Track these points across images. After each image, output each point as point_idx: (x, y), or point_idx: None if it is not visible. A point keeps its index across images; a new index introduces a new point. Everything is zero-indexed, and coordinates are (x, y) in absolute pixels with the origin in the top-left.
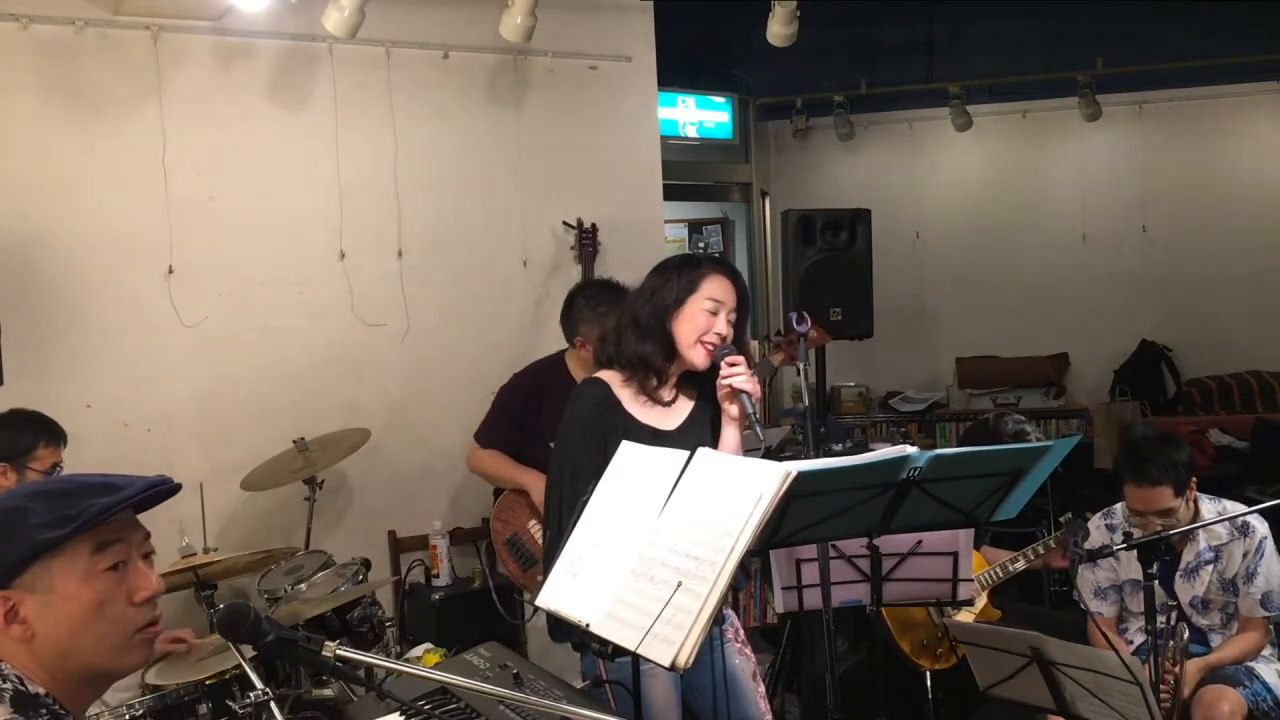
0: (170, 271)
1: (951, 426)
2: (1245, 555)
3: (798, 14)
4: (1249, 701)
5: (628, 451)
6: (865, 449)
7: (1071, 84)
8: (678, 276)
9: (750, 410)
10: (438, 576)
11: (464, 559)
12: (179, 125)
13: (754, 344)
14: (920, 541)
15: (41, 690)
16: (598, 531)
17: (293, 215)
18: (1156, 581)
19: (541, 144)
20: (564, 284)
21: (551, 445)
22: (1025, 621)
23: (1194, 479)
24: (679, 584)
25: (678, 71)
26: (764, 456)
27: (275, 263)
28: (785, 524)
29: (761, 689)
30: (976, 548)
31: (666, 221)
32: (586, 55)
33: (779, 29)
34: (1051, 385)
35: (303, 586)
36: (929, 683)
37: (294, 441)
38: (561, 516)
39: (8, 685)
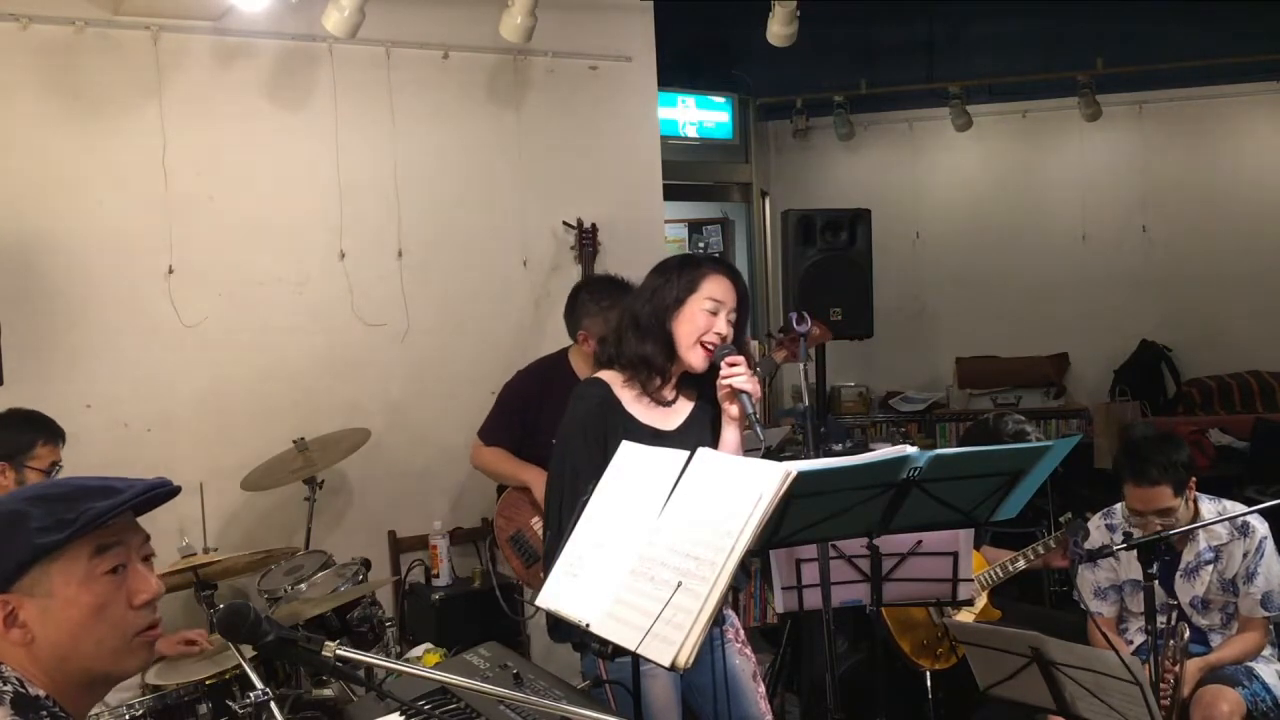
0: (170, 271)
1: (951, 426)
2: (1245, 555)
3: (798, 14)
4: (1248, 701)
5: (628, 451)
6: (865, 449)
7: (1071, 84)
8: (678, 276)
9: (750, 410)
10: (438, 576)
11: (464, 559)
12: (179, 125)
13: (754, 344)
14: (920, 541)
15: (42, 693)
16: (598, 531)
17: (293, 215)
18: (1156, 581)
19: (541, 144)
20: (564, 284)
21: (554, 442)
22: (1025, 621)
23: (1193, 479)
24: (679, 584)
25: (678, 71)
26: (764, 456)
27: (275, 263)
28: (785, 524)
29: (762, 689)
30: (976, 548)
31: (666, 221)
32: (586, 55)
33: (779, 29)
34: (1051, 385)
35: (303, 586)
36: (929, 683)
37: (294, 441)
38: (562, 516)
39: (8, 688)
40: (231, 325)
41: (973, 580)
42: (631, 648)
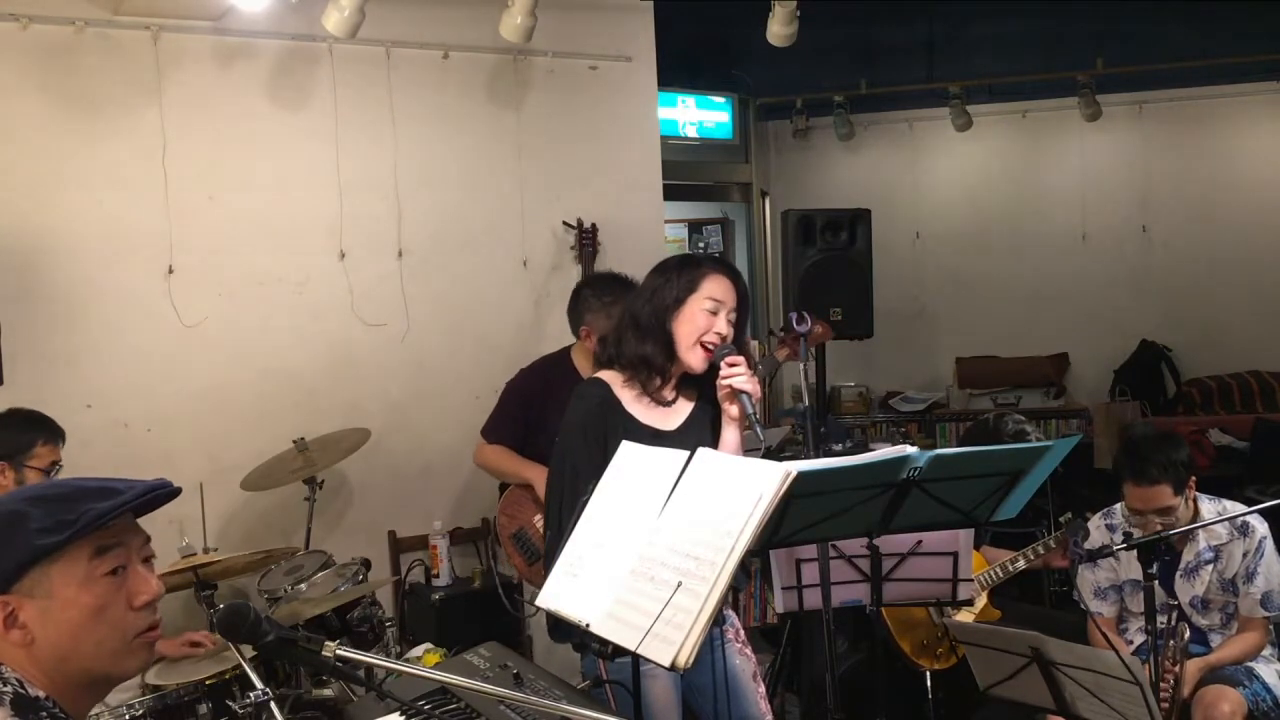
0: (170, 271)
1: (951, 426)
2: (1245, 555)
3: (798, 14)
4: (1249, 701)
5: (628, 451)
6: (865, 449)
7: (1071, 84)
8: (677, 276)
9: (750, 410)
10: (438, 576)
11: (464, 559)
12: (179, 125)
13: (754, 344)
14: (920, 541)
15: (42, 694)
16: (598, 531)
17: (293, 215)
18: (1156, 581)
19: (541, 144)
20: (564, 284)
21: (555, 441)
22: (1025, 621)
23: (1193, 478)
24: (679, 584)
25: (678, 71)
26: (764, 456)
27: (275, 263)
28: (785, 524)
29: (762, 689)
30: (976, 548)
31: (666, 221)
32: (586, 55)
33: (779, 29)
34: (1051, 385)
35: (303, 586)
36: (929, 683)
37: (294, 441)
38: (562, 516)
39: (8, 689)
40: (231, 325)
41: (973, 580)
42: (631, 648)
